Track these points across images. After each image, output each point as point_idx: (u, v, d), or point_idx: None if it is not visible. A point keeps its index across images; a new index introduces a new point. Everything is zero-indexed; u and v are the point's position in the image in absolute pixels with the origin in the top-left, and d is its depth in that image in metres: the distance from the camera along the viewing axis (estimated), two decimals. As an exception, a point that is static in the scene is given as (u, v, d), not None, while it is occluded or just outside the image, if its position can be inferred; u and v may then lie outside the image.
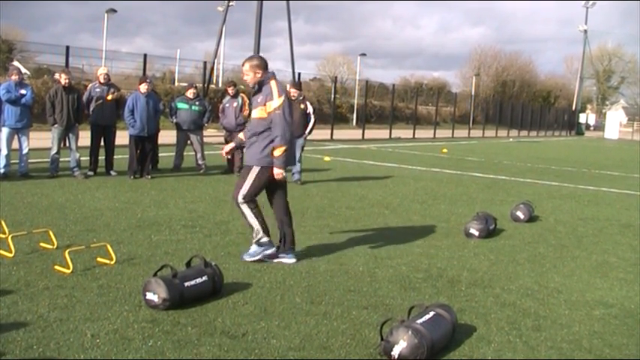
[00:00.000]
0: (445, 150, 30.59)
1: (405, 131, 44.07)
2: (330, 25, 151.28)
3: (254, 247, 7.56)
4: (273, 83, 7.51)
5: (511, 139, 52.66)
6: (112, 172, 14.46)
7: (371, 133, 38.90)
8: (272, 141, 7.41)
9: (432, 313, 5.18)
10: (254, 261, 7.45)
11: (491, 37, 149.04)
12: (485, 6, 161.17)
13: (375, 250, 8.47)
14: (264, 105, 7.43)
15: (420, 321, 5.00)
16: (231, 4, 35.76)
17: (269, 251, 7.58)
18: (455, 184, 16.79)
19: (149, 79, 14.92)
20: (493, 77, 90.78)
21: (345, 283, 6.81)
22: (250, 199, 7.57)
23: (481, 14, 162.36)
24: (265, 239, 7.55)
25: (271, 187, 7.77)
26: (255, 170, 7.53)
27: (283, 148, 7.39)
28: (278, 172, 7.48)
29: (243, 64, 7.65)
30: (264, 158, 7.47)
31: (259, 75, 7.53)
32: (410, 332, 4.82)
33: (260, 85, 7.56)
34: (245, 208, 7.57)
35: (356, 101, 53.75)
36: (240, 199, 7.55)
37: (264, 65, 7.59)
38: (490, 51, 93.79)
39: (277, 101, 7.38)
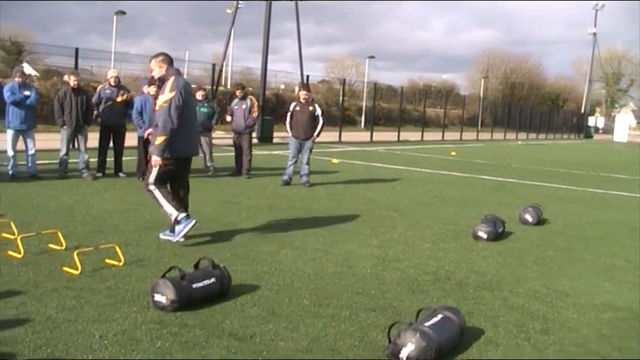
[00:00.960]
0: (453, 152, 30.56)
1: (414, 134, 44.06)
2: (338, 26, 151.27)
3: (177, 227, 8.18)
4: (171, 79, 8.12)
5: (519, 142, 52.62)
6: (121, 174, 14.49)
7: (379, 135, 38.90)
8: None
9: (440, 316, 5.17)
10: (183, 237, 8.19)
11: (499, 39, 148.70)
12: (493, 7, 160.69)
13: (383, 252, 8.47)
14: (158, 99, 8.19)
15: (428, 324, 4.99)
16: (239, 5, 35.80)
17: (191, 222, 8.23)
18: (463, 186, 16.77)
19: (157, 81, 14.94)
20: (501, 79, 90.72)
21: (353, 286, 6.81)
22: (158, 184, 8.26)
23: (489, 16, 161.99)
24: (182, 215, 8.21)
25: (177, 172, 8.49)
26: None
27: (162, 138, 8.01)
28: (155, 160, 8.14)
29: (150, 61, 8.38)
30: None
31: (164, 70, 8.22)
32: (418, 335, 4.81)
33: (162, 81, 8.24)
34: (156, 192, 8.26)
35: (364, 103, 53.81)
36: (149, 186, 8.28)
37: (168, 61, 8.29)
38: (498, 53, 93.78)
39: (167, 95, 8.01)
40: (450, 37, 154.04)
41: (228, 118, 16.08)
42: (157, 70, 8.23)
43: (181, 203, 8.45)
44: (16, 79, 13.29)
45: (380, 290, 6.71)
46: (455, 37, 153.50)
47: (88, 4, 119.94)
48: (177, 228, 8.19)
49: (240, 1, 36.13)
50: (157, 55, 8.38)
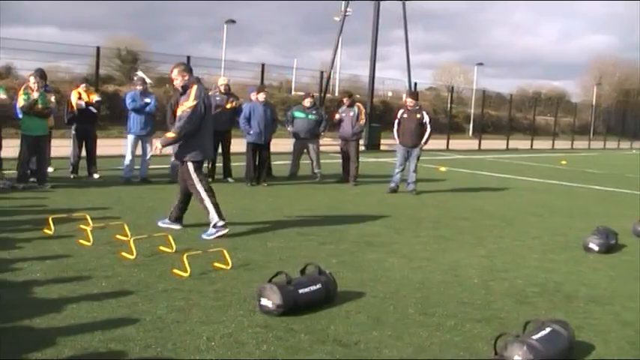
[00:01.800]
0: (564, 162, 29.86)
1: (523, 142, 43.29)
2: (448, 34, 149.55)
3: (211, 230, 8.88)
4: (194, 88, 8.76)
5: (634, 151, 50.94)
6: (230, 179, 14.75)
7: (487, 143, 38.39)
8: (192, 137, 8.80)
9: (548, 329, 5.06)
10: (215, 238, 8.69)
11: (614, 45, 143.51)
12: (610, 12, 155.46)
13: (490, 262, 8.35)
14: (182, 105, 8.74)
15: (535, 337, 4.90)
16: (347, 13, 35.95)
17: (223, 231, 8.88)
18: (573, 196, 16.37)
19: (265, 88, 15.19)
20: (615, 86, 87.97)
21: (459, 295, 6.74)
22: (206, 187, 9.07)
23: (606, 21, 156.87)
24: (220, 222, 8.91)
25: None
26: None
27: (174, 137, 8.87)
28: (156, 146, 9.14)
29: (172, 71, 8.99)
30: (190, 153, 8.89)
31: (186, 79, 8.83)
32: (525, 348, 4.73)
33: (185, 89, 8.80)
34: (203, 194, 9.01)
35: (472, 111, 53.14)
36: (196, 188, 9.02)
37: (189, 70, 9.03)
38: (610, 59, 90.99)
39: (191, 102, 8.66)
40: (563, 43, 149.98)
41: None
42: (180, 79, 8.83)
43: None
44: (138, 87, 13.79)
45: (486, 301, 6.62)
46: (567, 44, 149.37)
47: (201, 14, 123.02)
48: (212, 230, 8.90)
49: (347, 9, 36.28)
50: (178, 65, 9.08)
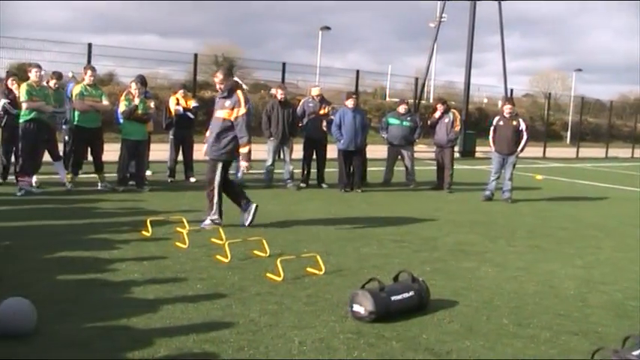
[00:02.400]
0: (667, 171, 28.91)
1: (623, 150, 42.12)
2: (546, 39, 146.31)
3: (207, 221, 9.43)
4: (239, 93, 9.32)
5: None
6: (324, 185, 14.82)
7: (585, 151, 37.52)
8: (233, 139, 9.34)
9: (649, 345, 4.90)
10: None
11: None
12: None
13: (588, 273, 8.13)
14: (232, 110, 9.23)
15: (635, 353, 4.73)
16: (443, 19, 35.70)
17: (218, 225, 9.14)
18: (677, 207, 15.81)
19: (354, 94, 15.22)
20: None
21: (555, 307, 6.59)
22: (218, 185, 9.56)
23: None
24: (218, 219, 9.47)
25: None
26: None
27: (248, 145, 9.43)
28: (245, 165, 9.65)
29: (215, 75, 9.74)
30: (225, 153, 9.48)
31: (229, 82, 9.38)
32: (624, 363, 4.59)
33: (229, 91, 9.30)
34: (216, 191, 9.54)
35: (570, 118, 51.99)
36: (214, 184, 9.56)
37: (231, 74, 9.80)
38: None
39: (243, 109, 9.21)
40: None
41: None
42: (222, 81, 9.42)
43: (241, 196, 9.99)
44: None
45: (583, 313, 6.46)
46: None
47: (296, 21, 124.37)
48: (208, 222, 9.44)
49: (443, 14, 36.03)
50: (222, 69, 10.03)
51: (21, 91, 11.51)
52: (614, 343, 5.29)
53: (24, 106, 11.45)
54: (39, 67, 11.84)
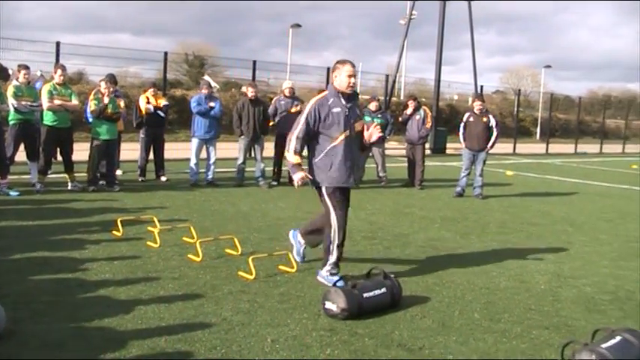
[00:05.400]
0: (635, 165, 29.21)
1: (592, 146, 42.54)
2: (522, 36, 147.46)
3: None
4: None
5: None
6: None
7: (555, 147, 37.87)
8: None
9: (618, 338, 4.94)
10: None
11: None
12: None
13: (558, 268, 8.21)
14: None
15: (605, 345, 4.79)
16: (413, 16, 35.80)
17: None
18: (645, 202, 16.00)
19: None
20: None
21: (526, 301, 6.65)
22: None
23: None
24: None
25: None
26: None
27: None
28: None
29: (353, 65, 7.01)
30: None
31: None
32: (594, 356, 4.64)
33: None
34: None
35: (540, 114, 52.39)
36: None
37: None
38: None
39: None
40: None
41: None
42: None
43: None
44: (203, 90, 14.00)
45: (554, 307, 6.52)
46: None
47: (272, 19, 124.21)
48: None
49: (413, 12, 36.14)
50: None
51: (8, 93, 11.64)
52: (584, 336, 5.35)
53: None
54: (27, 67, 11.98)
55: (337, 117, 6.84)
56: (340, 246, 6.92)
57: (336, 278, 6.81)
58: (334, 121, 6.83)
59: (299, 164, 6.87)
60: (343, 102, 6.91)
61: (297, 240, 7.63)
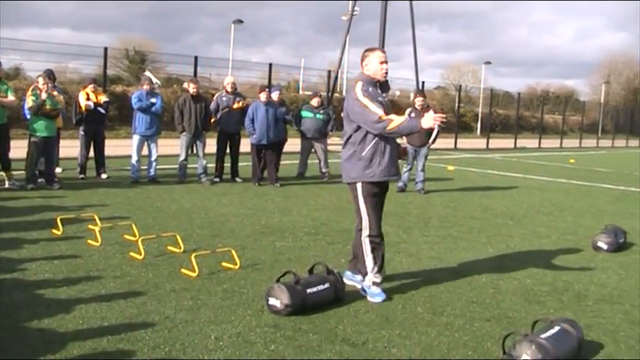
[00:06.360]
0: (572, 160, 29.79)
1: (531, 141, 43.27)
2: (464, 33, 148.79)
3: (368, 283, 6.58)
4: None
5: (643, 150, 50.79)
6: (238, 179, 14.76)
7: (495, 142, 38.36)
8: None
9: (557, 328, 5.05)
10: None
11: (632, 43, 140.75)
12: (628, 10, 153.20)
13: (499, 261, 8.33)
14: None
15: (544, 336, 4.88)
16: (355, 12, 35.89)
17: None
18: (582, 195, 16.31)
19: (277, 89, 15.20)
20: (624, 85, 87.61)
21: (468, 294, 6.73)
22: None
23: (624, 19, 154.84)
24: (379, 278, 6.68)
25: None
26: None
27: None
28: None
29: (384, 51, 6.57)
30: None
31: None
32: (534, 347, 4.72)
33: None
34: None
35: (480, 110, 53.05)
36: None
37: None
38: (621, 58, 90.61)
39: None
40: (580, 42, 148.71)
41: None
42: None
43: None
44: (144, 87, 13.83)
45: (495, 300, 6.61)
46: (585, 42, 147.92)
47: (216, 15, 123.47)
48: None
49: (355, 8, 36.24)
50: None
51: None
52: (525, 327, 5.44)
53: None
54: None
55: (382, 107, 6.35)
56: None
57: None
58: None
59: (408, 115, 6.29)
60: (379, 91, 6.55)
61: (354, 278, 6.80)
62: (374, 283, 6.43)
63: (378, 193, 6.56)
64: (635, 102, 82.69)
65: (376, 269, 6.47)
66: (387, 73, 6.54)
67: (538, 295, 6.90)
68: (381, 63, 6.44)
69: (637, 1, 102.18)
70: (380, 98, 6.46)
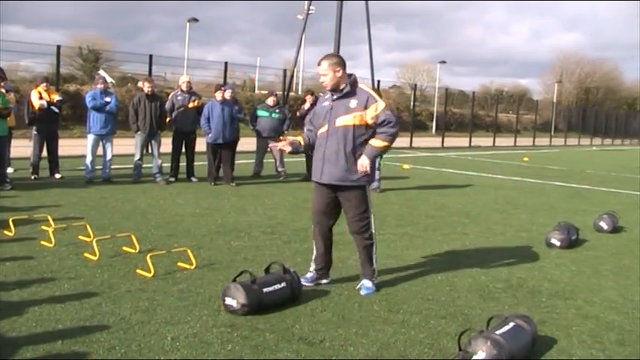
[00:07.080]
0: (526, 158, 30.14)
1: (485, 139, 43.67)
2: (420, 32, 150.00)
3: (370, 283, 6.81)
4: (365, 87, 6.85)
5: (594, 148, 51.59)
6: (193, 179, 14.68)
7: (450, 141, 38.63)
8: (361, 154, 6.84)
9: (511, 324, 5.10)
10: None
11: (585, 43, 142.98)
12: (580, 11, 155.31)
13: (454, 259, 8.39)
14: (364, 110, 6.59)
15: (499, 332, 4.93)
16: (310, 11, 35.91)
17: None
18: (536, 193, 16.52)
19: (229, 87, 15.13)
20: (576, 84, 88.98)
21: (424, 292, 6.77)
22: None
23: (576, 20, 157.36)
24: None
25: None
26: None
27: (386, 145, 7.01)
28: (364, 166, 6.98)
29: (320, 63, 6.64)
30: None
31: (339, 75, 6.63)
32: (489, 343, 4.76)
33: (353, 88, 6.67)
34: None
35: (435, 109, 53.43)
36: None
37: (344, 64, 6.72)
38: (573, 57, 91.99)
39: (382, 102, 6.74)
40: (533, 42, 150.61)
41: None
42: (331, 75, 6.67)
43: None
44: (98, 85, 13.67)
45: (451, 297, 6.66)
46: (538, 42, 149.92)
47: (170, 13, 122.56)
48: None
49: (311, 7, 36.25)
50: (331, 57, 6.81)
51: None
52: (480, 324, 5.49)
53: None
54: None
55: None
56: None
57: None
58: None
59: None
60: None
61: (369, 287, 6.72)
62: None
63: None
64: (586, 101, 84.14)
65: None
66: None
67: (493, 291, 6.97)
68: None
69: (589, 2, 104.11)
70: None
